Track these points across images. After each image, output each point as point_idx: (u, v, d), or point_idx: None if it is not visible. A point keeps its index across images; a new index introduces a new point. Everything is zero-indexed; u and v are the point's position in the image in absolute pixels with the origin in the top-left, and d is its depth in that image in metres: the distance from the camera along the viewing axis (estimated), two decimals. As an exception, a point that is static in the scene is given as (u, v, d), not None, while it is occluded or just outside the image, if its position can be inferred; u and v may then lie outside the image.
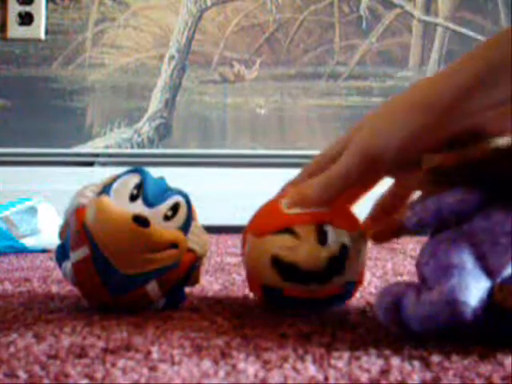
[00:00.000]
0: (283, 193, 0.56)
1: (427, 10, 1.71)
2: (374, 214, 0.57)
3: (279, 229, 0.52)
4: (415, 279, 0.50)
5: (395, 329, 0.44)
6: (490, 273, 0.43)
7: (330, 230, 0.51)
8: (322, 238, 0.51)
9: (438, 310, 0.41)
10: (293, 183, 0.56)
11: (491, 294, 0.42)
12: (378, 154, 0.49)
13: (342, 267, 0.51)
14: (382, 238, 0.56)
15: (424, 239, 0.49)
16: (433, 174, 0.48)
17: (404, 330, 0.43)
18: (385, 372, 0.37)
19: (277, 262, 0.52)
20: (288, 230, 0.52)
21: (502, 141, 0.45)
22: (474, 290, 0.41)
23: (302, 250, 0.51)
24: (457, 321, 0.41)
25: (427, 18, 1.70)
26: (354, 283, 0.54)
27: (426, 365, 0.38)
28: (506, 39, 0.47)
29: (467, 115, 0.47)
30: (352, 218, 0.55)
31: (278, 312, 0.53)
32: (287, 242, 0.51)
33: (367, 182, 0.55)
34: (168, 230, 0.53)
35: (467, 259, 0.43)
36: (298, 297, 0.53)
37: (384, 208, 0.57)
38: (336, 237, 0.51)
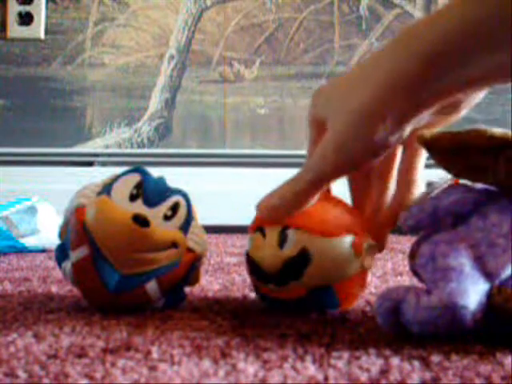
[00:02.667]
0: None
1: (427, 10, 1.71)
2: (356, 204, 0.56)
3: (256, 228, 0.54)
4: (415, 279, 0.50)
5: (395, 333, 0.44)
6: (488, 275, 0.43)
7: (292, 234, 0.51)
8: (281, 241, 0.52)
9: (438, 315, 0.41)
10: None
11: (490, 296, 0.42)
12: (350, 164, 0.48)
13: (299, 272, 0.51)
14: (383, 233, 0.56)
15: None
16: (427, 151, 0.48)
17: (404, 334, 0.43)
18: (384, 372, 0.37)
19: (248, 259, 0.54)
20: (260, 230, 0.53)
21: (498, 130, 0.44)
22: (473, 293, 0.41)
23: (263, 250, 0.52)
24: (456, 325, 0.41)
25: None
26: (329, 291, 0.52)
27: (426, 364, 0.38)
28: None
29: (435, 95, 0.45)
30: (337, 222, 0.52)
31: (278, 312, 0.53)
32: (257, 240, 0.53)
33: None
34: (168, 230, 0.53)
35: (465, 262, 0.43)
36: (267, 294, 0.54)
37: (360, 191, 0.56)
38: (297, 241, 0.51)
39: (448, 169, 0.48)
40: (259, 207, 0.52)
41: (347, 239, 0.52)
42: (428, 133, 0.47)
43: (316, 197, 0.50)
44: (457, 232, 0.46)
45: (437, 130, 0.50)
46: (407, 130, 0.47)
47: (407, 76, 0.44)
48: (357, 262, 0.52)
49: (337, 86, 0.50)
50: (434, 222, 0.47)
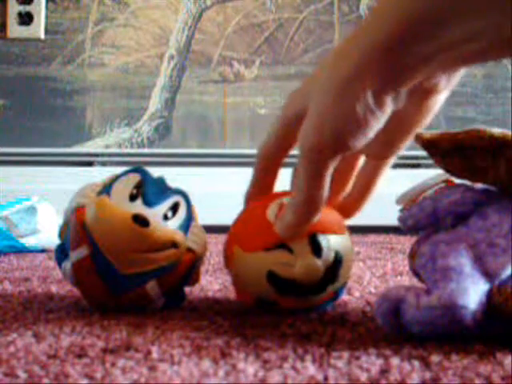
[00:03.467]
0: (251, 194, 0.55)
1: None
2: (334, 189, 0.55)
3: (273, 244, 0.51)
4: (415, 279, 0.50)
5: (395, 333, 0.44)
6: (487, 275, 0.43)
7: (323, 239, 0.51)
8: (316, 250, 0.50)
9: (438, 315, 0.41)
10: (254, 183, 0.55)
11: (490, 296, 0.42)
12: (334, 142, 0.47)
13: (336, 275, 0.51)
14: (349, 212, 0.56)
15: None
16: (426, 151, 0.48)
17: (404, 334, 0.43)
18: (384, 372, 0.37)
19: (273, 278, 0.51)
20: (281, 246, 0.51)
21: (498, 130, 0.45)
22: (473, 293, 0.41)
23: (299, 264, 0.50)
24: (456, 325, 0.41)
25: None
26: (345, 285, 0.55)
27: (426, 364, 0.38)
28: None
29: (409, 70, 0.44)
30: (338, 219, 0.53)
31: (278, 312, 0.53)
32: (282, 257, 0.50)
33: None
34: (168, 230, 0.53)
35: (465, 262, 0.43)
36: (292, 307, 0.52)
37: (338, 180, 0.56)
38: (329, 245, 0.51)
39: (447, 169, 0.48)
40: (279, 232, 0.50)
41: (347, 234, 0.54)
42: (427, 133, 0.46)
43: (325, 189, 0.48)
44: (457, 232, 0.46)
45: (426, 129, 0.50)
46: (387, 108, 0.45)
47: (387, 39, 0.43)
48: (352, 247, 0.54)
49: (317, 71, 0.49)
50: (434, 222, 0.47)
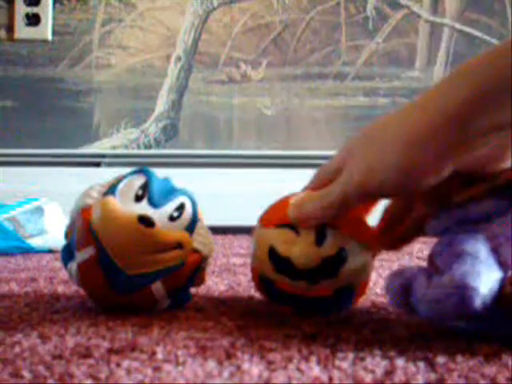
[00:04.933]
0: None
1: (434, 10, 1.71)
2: (381, 225, 0.57)
3: (282, 222, 0.52)
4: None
5: (403, 311, 0.44)
6: (503, 265, 0.43)
7: (331, 233, 0.51)
8: (319, 238, 0.51)
9: (448, 294, 0.41)
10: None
11: (502, 285, 0.42)
12: (375, 191, 0.49)
13: (335, 271, 0.51)
14: (390, 245, 0.56)
15: (430, 239, 0.49)
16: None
17: (412, 313, 0.43)
18: (389, 373, 0.37)
19: (273, 254, 0.52)
20: (290, 226, 0.52)
21: None
22: (486, 278, 0.41)
23: (298, 246, 0.51)
24: (465, 306, 0.40)
25: (434, 19, 1.70)
26: (351, 291, 0.53)
27: (431, 366, 0.38)
28: (501, 54, 0.44)
29: (465, 144, 0.45)
30: (362, 228, 0.54)
31: (283, 313, 0.53)
32: (286, 236, 0.52)
33: (369, 204, 0.55)
34: (173, 231, 0.53)
35: (481, 249, 0.43)
36: (287, 291, 0.53)
37: (391, 219, 0.56)
38: (335, 240, 0.51)
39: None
40: (293, 209, 0.52)
41: (370, 245, 0.54)
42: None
43: (344, 214, 0.51)
44: (477, 226, 0.46)
45: None
46: (444, 171, 0.46)
47: (454, 110, 0.44)
48: (372, 267, 0.55)
49: (377, 123, 0.50)
50: (461, 228, 0.47)
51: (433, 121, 0.45)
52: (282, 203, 0.55)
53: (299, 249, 0.51)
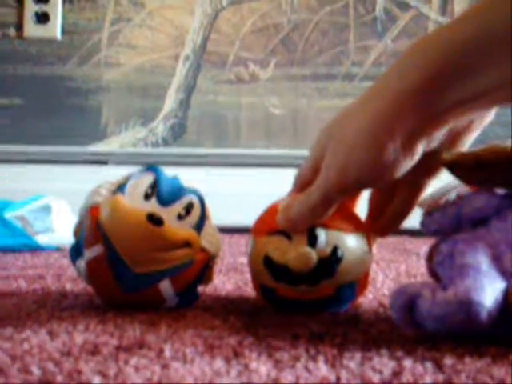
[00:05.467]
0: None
1: (443, 11, 1.71)
2: (370, 214, 0.57)
3: (274, 230, 0.53)
4: (428, 281, 0.50)
5: (409, 329, 0.44)
6: (505, 274, 0.43)
7: (322, 233, 0.52)
8: (312, 240, 0.51)
9: (453, 310, 0.41)
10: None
11: (506, 295, 0.42)
12: (353, 187, 0.48)
13: (332, 270, 0.51)
14: (379, 232, 0.56)
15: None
16: (449, 171, 0.48)
17: (418, 330, 0.43)
18: (397, 373, 0.37)
19: (269, 263, 0.52)
20: (282, 232, 0.52)
21: None
22: (489, 290, 0.41)
23: (292, 251, 0.51)
24: (472, 321, 0.41)
25: (443, 20, 1.69)
26: (353, 286, 0.53)
27: (439, 367, 0.38)
28: (454, 30, 0.43)
29: (434, 121, 0.44)
30: (352, 220, 0.54)
31: (290, 313, 0.53)
32: (279, 243, 0.52)
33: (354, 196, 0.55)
34: (181, 229, 0.53)
35: (483, 260, 0.43)
36: (289, 297, 0.53)
37: (376, 208, 0.56)
38: (328, 239, 0.52)
39: (471, 183, 0.48)
40: (280, 216, 0.52)
41: (363, 235, 0.54)
42: (448, 154, 0.47)
43: (331, 211, 0.51)
44: (476, 232, 0.46)
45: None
46: (418, 152, 0.46)
47: (414, 89, 0.44)
48: (370, 256, 0.54)
49: (340, 116, 0.50)
50: (457, 227, 0.47)
51: (395, 103, 0.44)
52: (270, 211, 0.55)
53: (294, 254, 0.51)
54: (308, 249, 0.51)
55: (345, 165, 0.47)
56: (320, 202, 0.50)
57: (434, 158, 0.50)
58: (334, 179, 0.48)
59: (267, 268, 0.53)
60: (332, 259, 0.51)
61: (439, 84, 0.43)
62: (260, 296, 0.56)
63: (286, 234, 0.52)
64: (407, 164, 0.46)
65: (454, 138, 0.50)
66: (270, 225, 0.54)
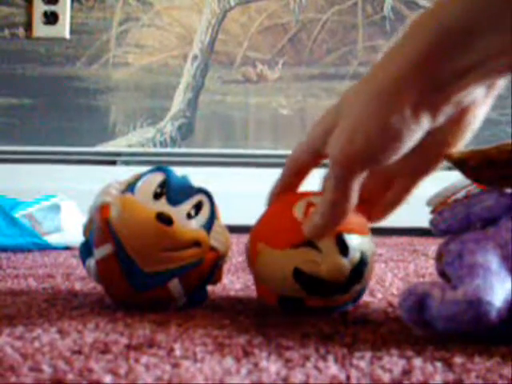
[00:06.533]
0: (276, 194, 0.55)
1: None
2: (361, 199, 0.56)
3: (300, 242, 0.51)
4: (438, 280, 0.50)
5: (418, 329, 0.44)
6: None
7: (349, 240, 0.51)
8: (343, 249, 0.51)
9: (463, 310, 0.41)
10: (281, 183, 0.55)
11: None
12: (365, 156, 0.47)
13: (362, 275, 0.52)
14: (371, 219, 0.56)
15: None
16: (458, 169, 0.48)
17: (427, 330, 0.43)
18: (407, 372, 0.37)
19: (299, 275, 0.51)
20: (309, 243, 0.51)
21: None
22: (499, 290, 0.41)
23: (326, 263, 0.50)
24: (481, 321, 0.41)
25: None
26: (365, 287, 0.55)
27: (449, 366, 0.38)
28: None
29: (440, 91, 0.44)
30: (362, 221, 0.54)
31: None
32: (310, 255, 0.51)
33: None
34: (191, 229, 0.53)
35: (492, 259, 0.43)
36: (317, 306, 0.53)
37: (370, 195, 0.55)
38: (355, 245, 0.51)
39: (478, 181, 0.48)
40: (307, 228, 0.51)
41: (370, 236, 0.54)
42: (457, 152, 0.47)
43: (354, 196, 0.49)
44: (485, 232, 0.46)
45: (461, 148, 0.50)
46: (424, 124, 0.45)
47: (414, 62, 0.44)
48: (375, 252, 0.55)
49: (345, 95, 0.49)
50: (466, 227, 0.47)
51: (397, 77, 0.45)
52: (285, 218, 0.53)
53: (327, 265, 0.50)
54: (342, 259, 0.50)
55: (352, 136, 0.46)
56: (338, 191, 0.48)
57: (434, 149, 0.50)
58: (342, 149, 0.47)
59: (297, 281, 0.51)
60: (362, 265, 0.51)
61: (438, 54, 0.43)
62: (274, 304, 0.54)
63: (313, 245, 0.51)
64: (413, 135, 0.46)
65: (461, 114, 0.49)
66: (292, 237, 0.51)
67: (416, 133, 0.46)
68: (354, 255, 0.51)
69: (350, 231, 0.51)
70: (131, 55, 1.72)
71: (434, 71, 0.44)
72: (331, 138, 0.48)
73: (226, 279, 0.71)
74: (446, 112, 0.46)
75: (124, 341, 0.43)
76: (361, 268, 0.51)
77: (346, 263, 0.50)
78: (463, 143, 0.51)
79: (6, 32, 1.70)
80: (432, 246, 1.16)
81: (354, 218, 0.52)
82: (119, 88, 1.72)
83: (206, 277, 0.55)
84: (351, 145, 0.47)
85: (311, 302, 0.52)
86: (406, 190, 0.54)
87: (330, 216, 0.50)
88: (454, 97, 0.45)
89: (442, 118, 0.46)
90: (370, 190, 0.55)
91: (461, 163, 0.47)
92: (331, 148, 0.48)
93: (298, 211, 0.52)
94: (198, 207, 0.55)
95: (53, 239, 1.08)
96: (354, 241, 0.51)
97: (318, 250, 0.51)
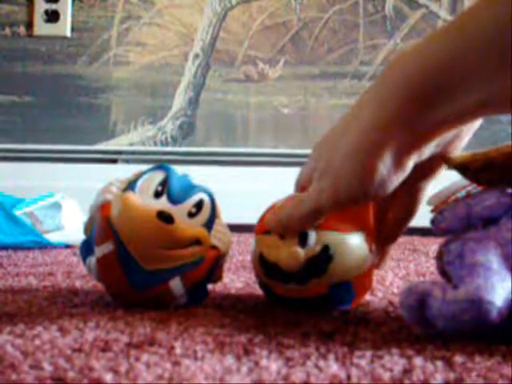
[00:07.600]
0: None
1: (453, 10, 1.70)
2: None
3: (267, 230, 0.54)
4: (438, 280, 0.50)
5: (419, 328, 0.44)
6: None
7: (313, 232, 0.52)
8: (303, 239, 0.52)
9: (464, 309, 0.41)
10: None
11: None
12: (346, 202, 0.48)
13: (322, 268, 0.52)
14: (388, 241, 0.56)
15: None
16: (459, 172, 0.48)
17: (428, 329, 0.43)
18: (407, 372, 0.37)
19: (262, 260, 0.54)
20: None
21: None
22: (500, 290, 0.41)
23: (283, 250, 0.52)
24: (482, 320, 0.41)
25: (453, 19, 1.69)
26: (348, 286, 0.53)
27: (449, 365, 0.38)
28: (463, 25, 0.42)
29: (422, 140, 0.44)
30: (351, 220, 0.53)
31: (300, 311, 0.54)
32: (272, 242, 0.53)
33: None
34: (192, 227, 0.53)
35: (493, 259, 0.43)
36: (282, 294, 0.54)
37: (376, 213, 0.56)
38: (318, 238, 0.52)
39: (479, 183, 0.48)
40: (269, 221, 0.53)
41: (361, 235, 0.53)
42: (458, 157, 0.47)
43: (321, 220, 0.51)
44: (486, 231, 0.46)
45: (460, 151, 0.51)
46: (409, 167, 0.46)
47: (396, 114, 0.44)
48: (370, 257, 0.54)
49: (329, 134, 0.50)
50: (466, 226, 0.47)
51: (377, 126, 0.44)
52: (269, 210, 0.56)
53: (284, 252, 0.52)
54: (297, 248, 0.52)
55: (335, 187, 0.47)
56: (311, 212, 0.50)
57: (430, 162, 0.50)
58: (325, 195, 0.48)
59: (261, 266, 0.54)
60: (321, 258, 0.52)
61: (421, 106, 0.43)
62: (262, 291, 0.58)
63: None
64: (398, 179, 0.46)
65: (445, 147, 0.50)
66: (264, 224, 0.54)
67: (402, 175, 0.46)
68: (314, 247, 0.52)
69: (320, 226, 0.52)
70: (132, 54, 1.72)
71: (415, 122, 0.44)
72: (314, 183, 0.49)
73: (227, 278, 0.71)
74: (431, 149, 0.47)
75: (124, 339, 0.43)
76: (320, 261, 0.52)
77: (300, 252, 0.52)
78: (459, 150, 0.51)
79: (7, 30, 1.70)
80: (432, 245, 1.16)
81: (337, 214, 0.52)
82: (120, 86, 1.72)
83: (207, 275, 0.55)
84: (335, 194, 0.47)
85: (277, 289, 0.54)
86: (409, 207, 0.55)
87: (296, 222, 0.51)
88: (437, 138, 0.45)
89: (426, 154, 0.47)
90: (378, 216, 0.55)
91: (462, 168, 0.47)
92: (314, 195, 0.49)
93: (279, 203, 0.54)
94: (198, 206, 0.55)
95: (53, 237, 1.08)
96: (319, 235, 0.52)
97: (281, 238, 0.53)
